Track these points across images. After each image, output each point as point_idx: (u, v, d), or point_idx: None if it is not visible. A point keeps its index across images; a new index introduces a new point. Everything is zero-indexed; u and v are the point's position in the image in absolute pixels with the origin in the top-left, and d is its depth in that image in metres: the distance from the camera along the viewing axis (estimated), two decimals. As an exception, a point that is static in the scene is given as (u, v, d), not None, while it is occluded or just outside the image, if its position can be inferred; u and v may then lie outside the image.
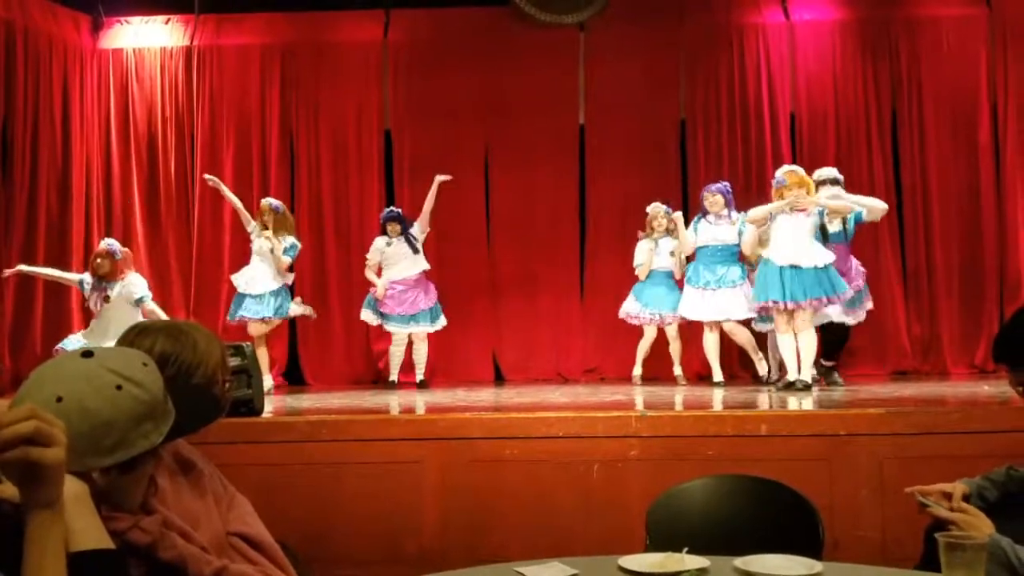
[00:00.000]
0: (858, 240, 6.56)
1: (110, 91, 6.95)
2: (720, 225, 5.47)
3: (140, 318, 5.52)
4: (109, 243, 5.73)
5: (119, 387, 1.13)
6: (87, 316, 6.63)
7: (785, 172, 5.04)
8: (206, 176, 6.09)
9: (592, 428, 3.44)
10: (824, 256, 4.82)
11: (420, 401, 4.80)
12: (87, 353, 1.15)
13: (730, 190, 5.63)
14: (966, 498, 1.88)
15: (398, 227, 5.96)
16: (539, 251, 6.77)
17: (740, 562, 1.62)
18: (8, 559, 0.99)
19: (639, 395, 4.82)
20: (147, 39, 7.04)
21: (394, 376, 6.03)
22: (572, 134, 6.92)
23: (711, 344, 5.50)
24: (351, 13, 7.01)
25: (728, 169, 6.73)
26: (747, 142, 6.76)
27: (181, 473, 1.56)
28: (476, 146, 6.94)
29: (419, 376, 6.05)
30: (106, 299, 5.52)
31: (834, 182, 5.29)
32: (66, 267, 6.51)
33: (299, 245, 5.87)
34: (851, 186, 6.59)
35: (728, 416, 3.44)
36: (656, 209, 5.79)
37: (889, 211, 6.62)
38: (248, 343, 4.09)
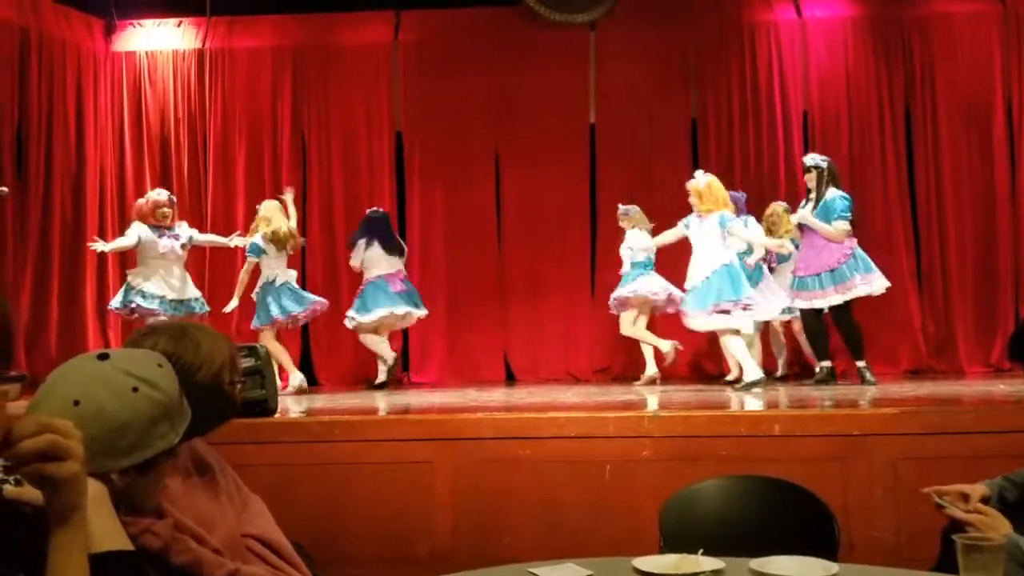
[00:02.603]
0: (871, 239, 6.55)
1: (123, 94, 7.00)
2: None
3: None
4: (163, 192, 5.79)
5: (135, 389, 1.14)
6: (102, 318, 6.68)
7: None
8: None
9: (604, 428, 3.43)
10: (719, 259, 4.93)
11: (432, 401, 4.80)
12: (103, 355, 1.16)
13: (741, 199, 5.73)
14: (986, 500, 1.86)
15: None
16: (550, 251, 6.76)
17: (756, 564, 1.61)
18: (31, 561, 1.00)
19: (651, 395, 4.81)
20: (159, 42, 7.08)
21: (383, 377, 5.95)
22: (583, 133, 6.91)
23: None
24: (361, 14, 7.03)
25: (740, 168, 6.71)
26: (759, 141, 6.73)
27: (196, 474, 1.57)
28: (487, 146, 6.95)
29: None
30: (183, 246, 5.68)
31: (819, 171, 5.26)
32: (80, 268, 6.56)
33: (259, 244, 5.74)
34: (864, 184, 6.61)
35: (741, 416, 3.42)
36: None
37: (903, 209, 6.65)
38: (262, 344, 4.10)
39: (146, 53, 7.05)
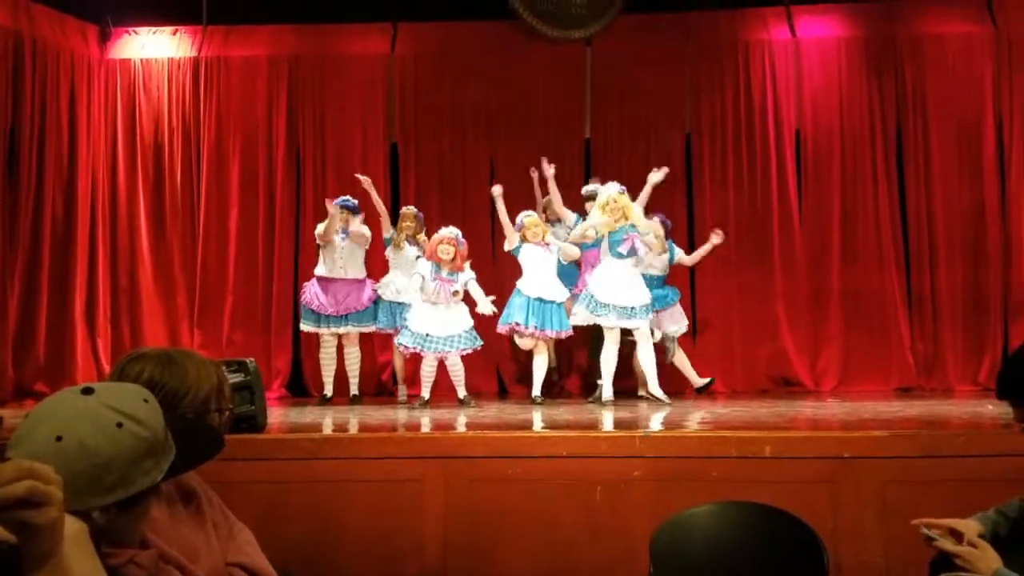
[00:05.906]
0: (861, 258, 6.59)
1: (117, 101, 6.96)
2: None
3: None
4: (454, 231, 5.51)
5: (120, 425, 1.12)
6: (91, 325, 6.64)
7: (525, 215, 5.70)
8: (360, 176, 5.99)
9: (595, 448, 3.42)
10: (563, 293, 5.58)
11: (423, 418, 4.78)
12: (87, 390, 1.15)
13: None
14: (980, 538, 1.85)
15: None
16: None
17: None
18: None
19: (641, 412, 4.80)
20: (154, 50, 7.06)
21: (328, 390, 5.91)
22: (578, 148, 6.93)
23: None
24: (359, 26, 7.03)
25: (733, 184, 6.73)
26: (752, 158, 6.76)
27: (181, 503, 1.56)
28: (482, 159, 6.95)
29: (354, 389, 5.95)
30: (454, 293, 5.36)
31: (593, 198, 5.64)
32: (70, 275, 6.51)
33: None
34: (856, 202, 6.65)
35: (732, 437, 3.42)
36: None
37: (894, 227, 6.68)
38: (251, 359, 3.97)
39: (141, 61, 7.02)
